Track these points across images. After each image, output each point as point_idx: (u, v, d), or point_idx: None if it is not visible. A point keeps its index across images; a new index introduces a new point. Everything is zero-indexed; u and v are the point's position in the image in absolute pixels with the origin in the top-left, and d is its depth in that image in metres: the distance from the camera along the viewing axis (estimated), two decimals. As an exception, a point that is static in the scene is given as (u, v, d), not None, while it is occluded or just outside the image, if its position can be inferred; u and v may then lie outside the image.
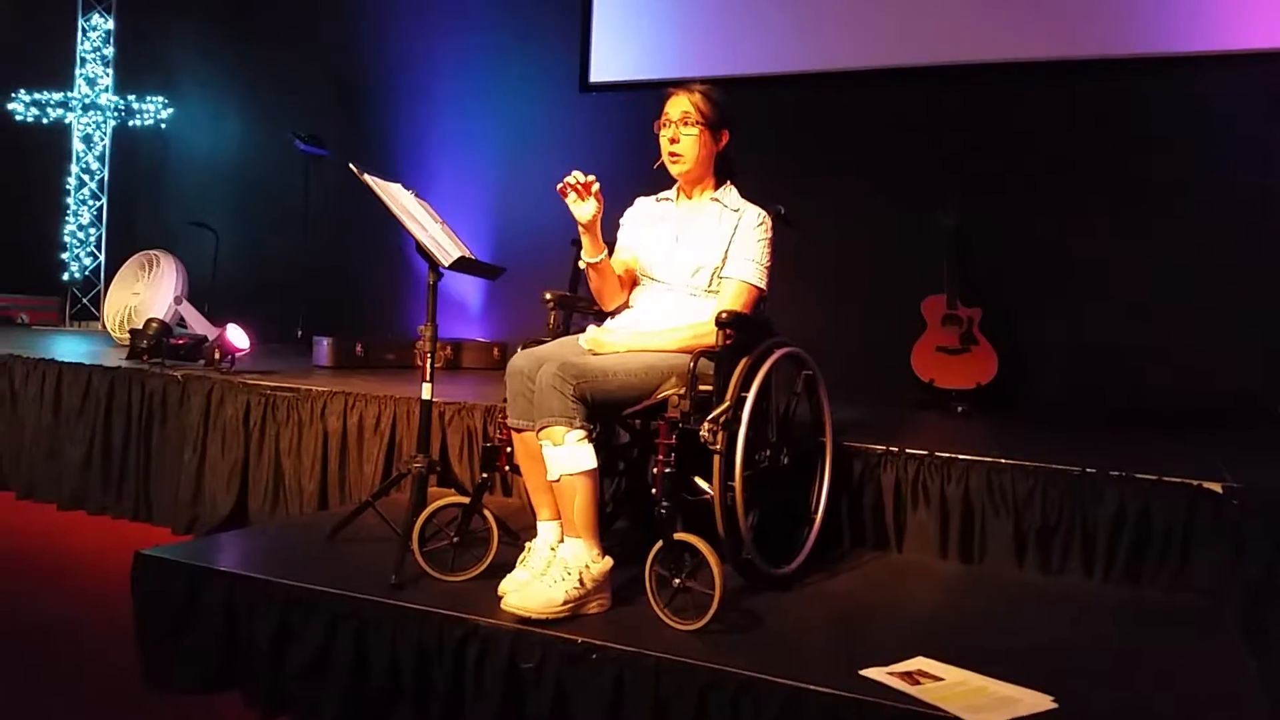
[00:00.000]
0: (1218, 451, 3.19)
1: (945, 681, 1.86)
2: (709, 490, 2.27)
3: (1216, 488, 2.58)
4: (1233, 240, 4.32)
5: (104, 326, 5.77)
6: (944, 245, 4.37)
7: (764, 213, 2.57)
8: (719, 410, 2.26)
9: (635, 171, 2.67)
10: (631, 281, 2.64)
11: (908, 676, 1.87)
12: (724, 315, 2.33)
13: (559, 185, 2.40)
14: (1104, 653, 2.17)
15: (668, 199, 2.66)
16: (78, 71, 6.97)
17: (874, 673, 1.88)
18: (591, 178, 2.39)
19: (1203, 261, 4.35)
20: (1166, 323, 4.38)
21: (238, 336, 4.15)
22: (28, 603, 3.03)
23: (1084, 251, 4.54)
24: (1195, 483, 2.60)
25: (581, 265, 2.52)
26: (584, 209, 2.41)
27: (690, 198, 2.61)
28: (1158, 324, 4.39)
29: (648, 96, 2.76)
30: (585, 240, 2.46)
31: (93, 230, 7.08)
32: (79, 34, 6.99)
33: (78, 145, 7.01)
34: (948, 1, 4.79)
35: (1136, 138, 4.48)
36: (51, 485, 4.15)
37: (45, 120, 6.88)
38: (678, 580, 2.13)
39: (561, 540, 2.26)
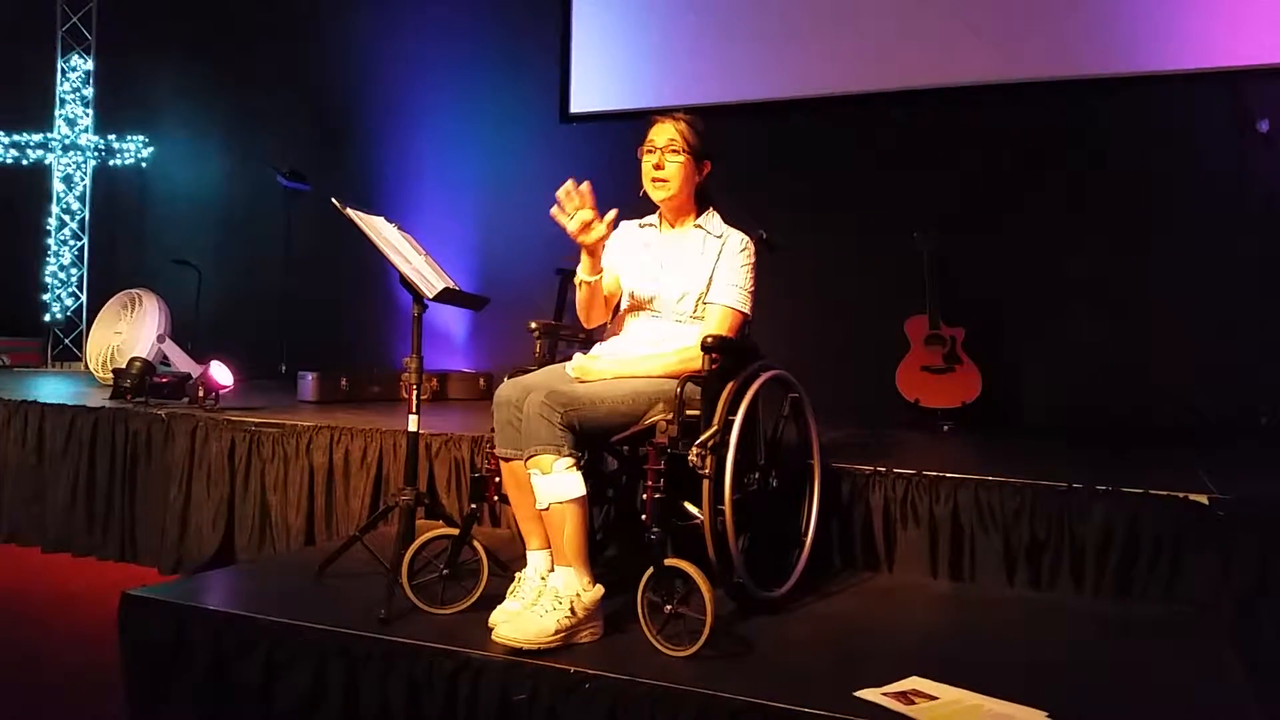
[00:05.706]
0: (1202, 464, 3.21)
1: (940, 700, 1.86)
2: (699, 515, 2.27)
3: (1203, 499, 2.59)
4: (1212, 258, 4.36)
5: (87, 367, 5.74)
6: (924, 266, 4.41)
7: (747, 238, 2.59)
8: (707, 435, 2.26)
9: (617, 201, 2.67)
10: (613, 302, 2.64)
11: (902, 697, 1.87)
12: (709, 340, 2.34)
13: (558, 203, 2.33)
14: (1097, 667, 2.18)
15: (651, 224, 2.67)
16: (57, 112, 6.98)
17: (868, 694, 1.87)
18: (585, 186, 2.34)
19: (1182, 279, 4.40)
20: (1146, 339, 4.43)
21: (221, 373, 4.14)
22: (12, 647, 2.99)
23: (1065, 270, 4.58)
24: (1181, 495, 2.62)
25: (576, 281, 2.49)
26: (593, 233, 2.36)
27: (674, 226, 2.62)
28: (1138, 341, 4.43)
29: (628, 126, 2.78)
30: (585, 259, 2.45)
31: (74, 270, 7.05)
32: (58, 75, 7.00)
33: (58, 186, 7.00)
34: (924, 27, 4.85)
35: (1116, 157, 4.53)
36: (35, 528, 4.11)
37: (25, 162, 6.87)
38: (669, 606, 2.12)
39: (552, 569, 2.25)
